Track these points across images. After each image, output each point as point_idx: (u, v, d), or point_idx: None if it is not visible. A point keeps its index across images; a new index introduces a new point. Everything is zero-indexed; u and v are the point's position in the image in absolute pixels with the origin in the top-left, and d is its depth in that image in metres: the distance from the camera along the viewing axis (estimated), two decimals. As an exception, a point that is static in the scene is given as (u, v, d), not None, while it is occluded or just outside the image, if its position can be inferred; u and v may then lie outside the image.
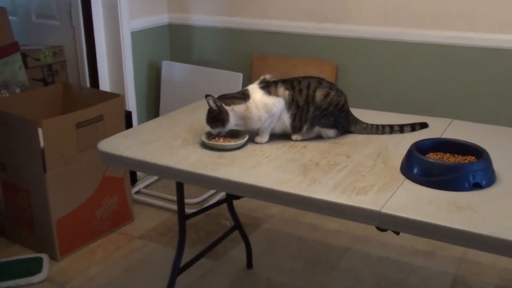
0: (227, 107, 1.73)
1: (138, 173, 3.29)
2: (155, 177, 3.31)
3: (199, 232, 2.77)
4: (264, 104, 1.73)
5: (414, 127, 1.85)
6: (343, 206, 1.38)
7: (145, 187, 3.25)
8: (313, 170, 1.57)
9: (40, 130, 2.35)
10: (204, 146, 1.75)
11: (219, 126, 1.74)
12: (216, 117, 1.73)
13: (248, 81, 3.24)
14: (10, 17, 3.04)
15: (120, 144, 1.79)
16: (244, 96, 1.76)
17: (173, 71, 3.44)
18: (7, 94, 2.86)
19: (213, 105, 1.73)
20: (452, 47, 2.72)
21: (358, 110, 1.93)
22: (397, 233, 1.44)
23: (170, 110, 2.60)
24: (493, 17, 2.60)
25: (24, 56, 3.05)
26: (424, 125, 1.87)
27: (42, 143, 2.36)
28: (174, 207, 2.96)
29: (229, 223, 2.80)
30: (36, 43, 3.33)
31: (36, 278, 2.37)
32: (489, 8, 2.60)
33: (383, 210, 1.33)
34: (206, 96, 1.74)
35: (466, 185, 1.41)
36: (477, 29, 2.64)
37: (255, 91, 1.76)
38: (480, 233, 1.21)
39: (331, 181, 1.49)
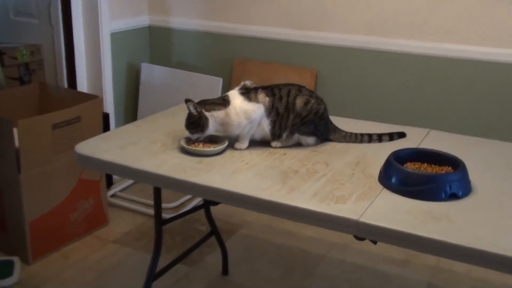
0: (207, 113, 1.72)
1: (114, 176, 3.26)
2: (131, 181, 3.28)
3: (175, 237, 2.75)
4: (243, 111, 1.73)
5: (392, 136, 1.87)
6: (322, 215, 1.38)
7: (121, 190, 3.22)
8: (292, 178, 1.57)
9: (15, 130, 2.31)
10: (183, 151, 1.74)
11: (198, 132, 1.73)
12: (195, 123, 1.72)
13: (228, 86, 3.23)
14: (-13, 15, 2.99)
15: (99, 147, 1.77)
16: (224, 102, 1.75)
17: (153, 74, 3.42)
18: (-18, 93, 2.81)
19: (193, 111, 1.72)
20: (431, 58, 2.76)
21: (337, 118, 1.94)
22: (375, 242, 1.45)
23: (148, 113, 2.59)
24: (472, 29, 2.64)
25: (0, 54, 3.00)
26: (402, 135, 1.89)
27: (17, 144, 2.32)
28: (150, 211, 2.94)
29: (205, 228, 2.78)
30: (14, 41, 3.28)
31: (6, 282, 2.32)
32: (468, 20, 2.64)
33: (361, 219, 1.33)
34: (186, 101, 1.73)
35: (443, 195, 1.43)
36: (456, 40, 2.69)
37: (235, 97, 1.76)
38: (457, 243, 1.22)
39: (310, 189, 1.50)
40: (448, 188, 1.42)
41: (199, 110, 1.72)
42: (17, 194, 2.40)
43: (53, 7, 3.16)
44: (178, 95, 3.09)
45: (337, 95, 2.99)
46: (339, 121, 1.90)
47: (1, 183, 2.46)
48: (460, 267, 2.49)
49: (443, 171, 1.53)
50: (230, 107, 1.74)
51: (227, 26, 3.27)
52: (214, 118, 1.73)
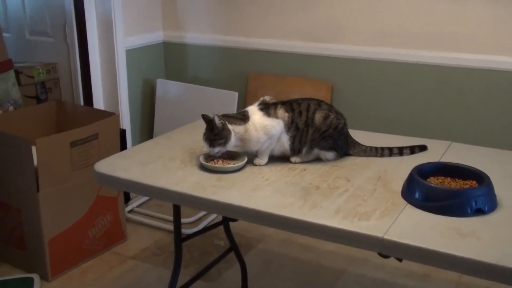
0: (230, 126, 1.71)
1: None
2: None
3: (193, 253, 2.73)
4: (263, 126, 1.72)
5: (413, 149, 1.84)
6: (346, 232, 1.36)
7: (138, 206, 3.22)
8: (313, 194, 1.55)
9: (33, 149, 2.32)
10: (202, 168, 1.73)
11: (220, 145, 1.70)
12: (219, 134, 1.70)
13: (243, 100, 3.23)
14: (4, 34, 3.02)
15: (117, 165, 1.76)
16: (243, 118, 1.75)
17: (168, 90, 3.43)
18: (0, 112, 2.83)
19: (218, 122, 1.70)
20: (448, 68, 2.74)
21: (356, 131, 1.92)
22: (400, 260, 1.42)
23: (164, 128, 2.60)
24: (490, 38, 2.62)
25: (17, 73, 3.03)
26: (423, 148, 1.86)
27: (35, 162, 2.33)
28: (168, 226, 2.93)
29: (223, 243, 2.77)
30: (30, 61, 3.31)
31: (27, 300, 2.33)
32: (486, 29, 2.62)
33: (386, 237, 1.31)
34: (203, 116, 1.73)
35: (469, 210, 1.40)
36: (474, 50, 2.66)
37: (255, 113, 1.75)
38: (486, 261, 1.19)
39: (332, 205, 1.48)
40: (473, 204, 1.40)
41: (223, 122, 1.71)
42: (36, 212, 2.40)
43: (68, 26, 3.19)
44: (194, 110, 3.09)
45: (353, 108, 2.97)
46: (357, 135, 1.88)
47: (20, 201, 2.47)
48: (483, 281, 2.43)
49: (467, 186, 1.50)
50: (250, 122, 1.73)
51: (241, 41, 3.27)
52: (234, 132, 1.72)
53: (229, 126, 1.71)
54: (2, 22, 3.33)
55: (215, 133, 1.70)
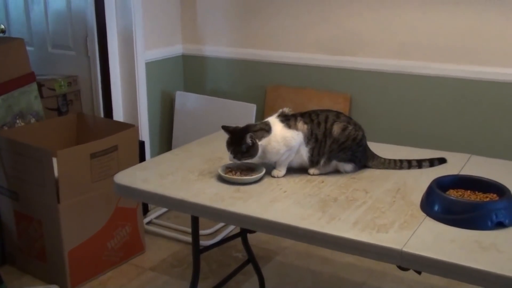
0: (259, 141, 1.72)
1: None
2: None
3: (211, 265, 2.74)
4: (283, 138, 1.73)
5: (432, 162, 1.83)
6: (364, 244, 1.35)
7: (157, 217, 3.23)
8: (332, 206, 1.55)
9: (54, 160, 2.36)
10: (221, 179, 1.74)
11: (247, 158, 1.73)
12: (248, 152, 1.71)
13: (261, 112, 3.24)
14: (27, 48, 3.08)
15: (137, 177, 1.78)
16: (268, 129, 1.75)
17: (187, 102, 3.45)
18: (22, 124, 2.87)
19: (248, 142, 1.70)
20: (468, 81, 2.72)
21: (375, 144, 1.91)
22: (419, 273, 1.41)
23: (183, 140, 2.62)
24: (510, 51, 2.59)
25: (39, 86, 3.08)
26: (442, 161, 1.85)
27: (56, 174, 2.36)
28: (186, 238, 2.94)
29: (241, 255, 2.77)
30: (52, 73, 3.37)
31: (46, 310, 2.35)
32: (507, 43, 2.60)
33: (405, 249, 1.30)
34: (224, 128, 1.74)
35: (489, 223, 1.39)
36: (495, 63, 2.64)
37: (275, 124, 1.76)
38: (507, 274, 1.18)
39: (350, 217, 1.48)
40: (494, 217, 1.38)
41: (254, 141, 1.71)
42: (56, 223, 2.43)
43: (90, 39, 3.24)
44: (213, 122, 3.11)
45: (372, 120, 2.96)
46: (376, 147, 1.88)
47: (41, 213, 2.50)
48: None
49: (487, 199, 1.49)
50: (272, 134, 1.74)
51: (259, 53, 3.29)
52: (261, 146, 1.73)
53: (259, 141, 1.72)
54: (25, 36, 3.40)
55: (244, 151, 1.71)
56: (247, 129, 1.74)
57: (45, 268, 2.57)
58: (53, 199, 2.40)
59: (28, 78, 2.92)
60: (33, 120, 2.95)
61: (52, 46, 3.52)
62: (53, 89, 3.21)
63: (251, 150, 1.71)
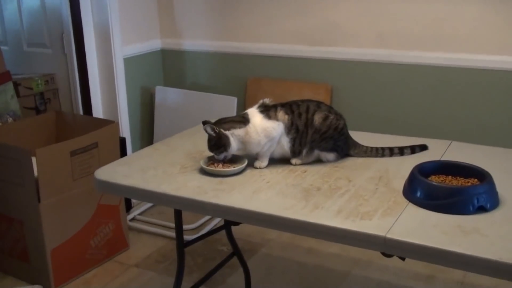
0: (226, 132, 1.71)
1: (133, 200, 3.25)
2: (150, 204, 3.27)
3: (196, 259, 2.73)
4: (263, 128, 1.72)
5: (414, 149, 1.84)
6: (348, 232, 1.35)
7: (140, 213, 3.21)
8: (315, 195, 1.55)
9: (34, 159, 2.32)
10: (203, 172, 1.72)
11: (222, 152, 1.72)
12: (216, 144, 1.71)
13: (242, 104, 3.23)
14: (1, 47, 3.03)
15: (118, 172, 1.76)
16: (244, 120, 1.74)
17: (167, 97, 3.43)
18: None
19: (211, 132, 1.71)
20: (447, 68, 2.74)
21: (356, 132, 1.91)
22: (403, 259, 1.42)
23: (164, 135, 2.59)
24: (489, 38, 2.62)
25: (16, 85, 3.03)
26: (423, 147, 1.86)
27: (36, 173, 2.33)
28: (170, 233, 2.92)
29: (227, 248, 2.76)
30: (28, 72, 3.32)
31: (30, 311, 2.32)
32: (484, 30, 2.62)
33: (389, 235, 1.30)
34: (204, 123, 1.73)
35: (471, 208, 1.39)
36: (473, 50, 2.66)
37: (255, 115, 1.75)
38: (489, 258, 1.18)
39: (334, 206, 1.47)
40: (475, 201, 1.39)
41: (217, 130, 1.71)
42: (38, 223, 2.40)
43: (66, 37, 3.19)
44: (194, 116, 3.09)
45: (353, 109, 2.97)
46: (358, 136, 1.88)
47: (22, 213, 2.46)
48: (487, 281, 2.43)
49: (469, 184, 1.49)
50: (250, 125, 1.73)
51: (238, 46, 3.28)
52: (235, 136, 1.72)
53: (227, 132, 1.71)
54: (0, 35, 3.34)
55: (212, 144, 1.71)
56: (217, 122, 1.74)
57: (28, 268, 2.53)
58: (33, 198, 2.37)
59: (3, 77, 2.88)
60: (10, 120, 2.91)
61: (28, 45, 3.47)
62: (30, 88, 3.16)
63: (220, 141, 1.70)
